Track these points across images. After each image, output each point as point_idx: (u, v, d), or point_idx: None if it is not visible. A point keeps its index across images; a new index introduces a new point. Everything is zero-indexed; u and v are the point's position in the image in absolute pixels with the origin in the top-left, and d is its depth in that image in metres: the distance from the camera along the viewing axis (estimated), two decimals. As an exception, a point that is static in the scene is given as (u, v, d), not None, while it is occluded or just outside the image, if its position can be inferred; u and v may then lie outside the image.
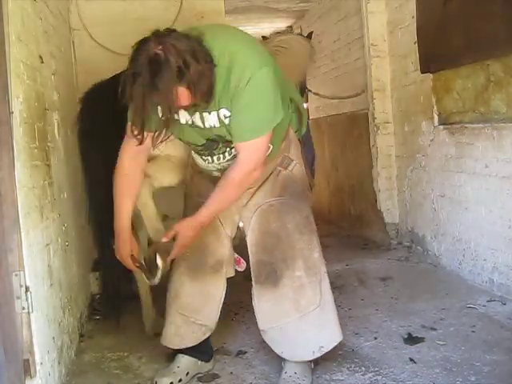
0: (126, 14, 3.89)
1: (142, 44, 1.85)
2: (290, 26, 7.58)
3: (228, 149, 2.16)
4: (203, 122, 2.06)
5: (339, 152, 5.77)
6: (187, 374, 2.42)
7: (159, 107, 1.88)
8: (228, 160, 2.18)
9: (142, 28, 4.00)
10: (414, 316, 2.98)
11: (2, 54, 1.88)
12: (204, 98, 1.93)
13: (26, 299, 1.93)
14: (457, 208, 3.59)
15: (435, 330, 2.78)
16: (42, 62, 2.55)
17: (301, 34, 4.63)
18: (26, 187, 2.05)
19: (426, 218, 4.03)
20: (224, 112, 2.01)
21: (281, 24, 7.50)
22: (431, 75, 3.74)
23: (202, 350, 2.46)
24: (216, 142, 2.13)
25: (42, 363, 2.07)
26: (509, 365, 2.35)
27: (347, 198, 5.61)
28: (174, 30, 1.89)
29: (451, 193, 3.65)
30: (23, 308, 1.92)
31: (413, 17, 3.86)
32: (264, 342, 2.77)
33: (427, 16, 3.66)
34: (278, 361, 2.55)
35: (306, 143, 2.33)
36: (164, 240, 2.12)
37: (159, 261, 2.16)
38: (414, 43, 3.86)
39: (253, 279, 2.27)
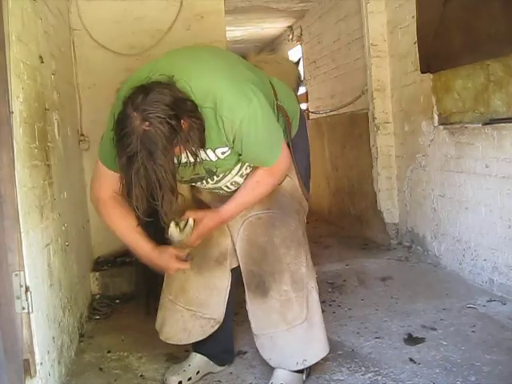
0: (126, 14, 3.89)
1: (126, 123, 1.74)
2: (290, 26, 7.59)
3: (213, 177, 2.15)
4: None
5: (339, 152, 5.77)
6: (197, 372, 2.41)
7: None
8: (211, 183, 2.18)
9: (142, 28, 4.06)
10: (414, 316, 2.98)
11: (2, 54, 1.88)
12: (198, 147, 1.89)
13: (26, 299, 1.93)
14: (457, 208, 3.59)
15: (435, 329, 2.78)
16: (42, 62, 2.55)
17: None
18: (25, 187, 2.05)
19: (426, 218, 4.03)
20: (221, 150, 2.00)
21: (281, 24, 7.50)
22: (431, 75, 3.74)
23: (218, 355, 2.47)
24: (202, 178, 2.14)
25: (41, 363, 2.07)
26: (509, 365, 2.35)
27: (347, 198, 5.61)
28: (148, 91, 1.77)
29: (451, 193, 3.65)
30: (23, 308, 1.92)
31: (413, 17, 3.86)
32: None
33: (427, 16, 3.66)
34: (278, 361, 2.55)
35: (298, 147, 2.28)
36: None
37: (191, 220, 2.09)
38: (414, 43, 3.86)
39: (245, 285, 2.26)
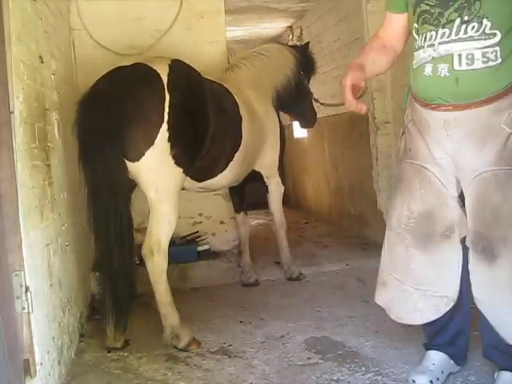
0: (126, 14, 3.89)
1: None
2: (290, 26, 7.59)
3: (459, 18, 1.99)
4: None
5: (339, 152, 5.77)
6: (442, 372, 2.27)
7: None
8: (453, 40, 2.03)
9: (142, 28, 4.05)
10: (414, 316, 2.97)
11: (2, 54, 1.88)
12: None
13: (26, 299, 1.93)
14: (457, 208, 3.57)
15: (435, 329, 2.78)
16: (42, 62, 2.55)
17: (292, 46, 4.54)
18: (25, 187, 2.05)
19: (426, 217, 4.02)
20: None
21: (281, 24, 7.51)
22: (431, 75, 3.74)
23: (454, 350, 2.31)
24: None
25: (42, 363, 2.07)
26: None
27: (347, 197, 5.61)
28: None
29: (451, 193, 3.63)
30: (23, 308, 1.92)
31: (413, 17, 3.86)
32: (264, 341, 2.80)
33: (427, 16, 3.65)
34: (278, 361, 2.56)
35: None
36: None
37: None
38: (414, 43, 3.85)
39: (469, 245, 2.06)
